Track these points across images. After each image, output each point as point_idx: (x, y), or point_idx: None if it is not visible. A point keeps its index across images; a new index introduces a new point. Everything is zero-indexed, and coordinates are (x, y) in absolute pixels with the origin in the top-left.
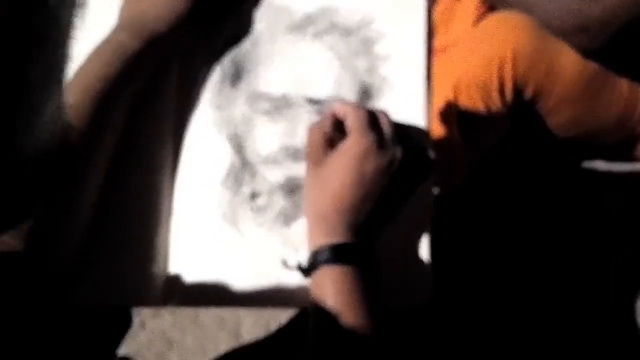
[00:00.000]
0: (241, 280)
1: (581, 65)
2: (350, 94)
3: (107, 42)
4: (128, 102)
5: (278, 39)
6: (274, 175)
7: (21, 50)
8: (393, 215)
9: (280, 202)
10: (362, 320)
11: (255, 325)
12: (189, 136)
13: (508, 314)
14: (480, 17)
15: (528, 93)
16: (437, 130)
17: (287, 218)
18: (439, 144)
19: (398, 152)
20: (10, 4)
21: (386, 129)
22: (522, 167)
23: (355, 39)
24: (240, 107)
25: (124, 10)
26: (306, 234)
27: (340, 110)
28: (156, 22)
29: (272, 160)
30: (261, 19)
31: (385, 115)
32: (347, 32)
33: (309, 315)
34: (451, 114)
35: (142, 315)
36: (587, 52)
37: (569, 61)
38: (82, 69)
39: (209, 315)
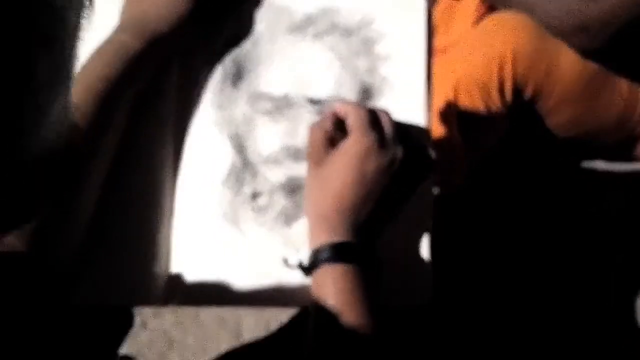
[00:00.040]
0: (242, 280)
1: (581, 66)
2: (351, 94)
3: (108, 43)
4: (130, 102)
5: (278, 39)
6: (275, 175)
7: (27, 50)
8: (394, 215)
9: (281, 201)
10: (362, 319)
11: (256, 324)
12: (190, 136)
13: (508, 314)
14: (480, 17)
15: (528, 93)
16: (437, 129)
17: (288, 218)
18: (439, 143)
19: (399, 151)
20: (15, 5)
21: (387, 128)
22: (522, 167)
23: (356, 39)
24: (241, 107)
25: (126, 11)
26: (307, 233)
27: (341, 110)
28: (157, 23)
29: (273, 160)
30: (262, 19)
31: (386, 114)
32: (347, 32)
33: (309, 314)
34: (451, 113)
35: (143, 315)
36: (586, 52)
37: (568, 61)
38: (84, 69)
39: (209, 314)
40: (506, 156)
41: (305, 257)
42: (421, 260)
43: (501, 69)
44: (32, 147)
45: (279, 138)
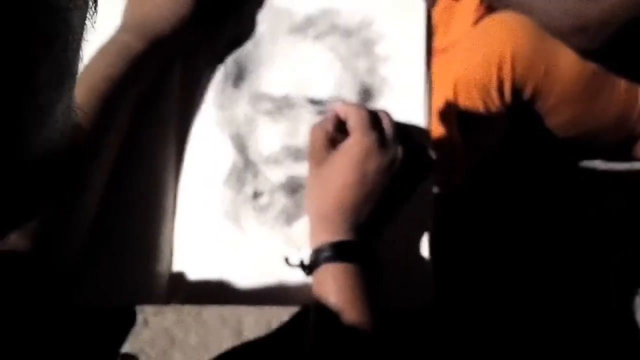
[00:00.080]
0: (244, 278)
1: (580, 66)
2: (351, 95)
3: (111, 43)
4: (132, 102)
5: (279, 40)
6: (276, 174)
7: (27, 50)
8: (394, 215)
9: (282, 201)
10: (363, 317)
11: (257, 323)
12: (192, 136)
13: (508, 314)
14: (479, 18)
15: (527, 93)
16: (437, 129)
17: (289, 217)
18: (439, 143)
19: (399, 151)
20: (15, 5)
21: (388, 128)
22: (522, 167)
23: (356, 40)
24: (242, 107)
25: (128, 12)
26: (308, 232)
27: (342, 111)
28: (160, 24)
29: (273, 160)
30: (262, 20)
31: (387, 115)
32: (347, 33)
33: (310, 312)
34: (451, 113)
35: (145, 313)
36: (586, 53)
37: (567, 62)
38: (87, 69)
39: (211, 313)
40: (506, 156)
41: (306, 256)
42: (421, 260)
43: (500, 69)
44: (33, 147)
45: (280, 138)
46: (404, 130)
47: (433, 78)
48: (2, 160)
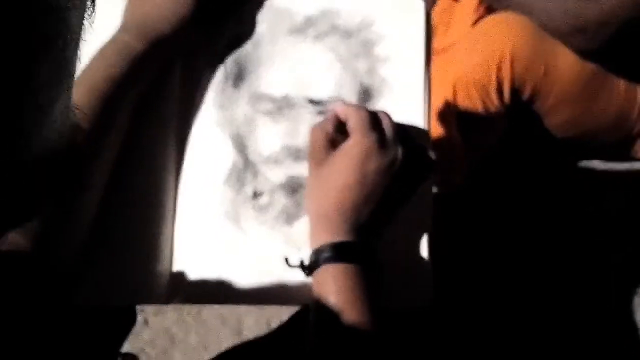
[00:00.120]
0: (244, 278)
1: (579, 66)
2: (351, 95)
3: (111, 43)
4: (132, 102)
5: (279, 40)
6: (276, 174)
7: (27, 50)
8: (394, 215)
9: (282, 201)
10: (363, 317)
11: (257, 322)
12: (192, 136)
13: (508, 314)
14: (479, 18)
15: (526, 93)
16: (437, 130)
17: (289, 217)
18: (438, 143)
19: (399, 152)
20: (15, 5)
21: (388, 129)
22: (522, 167)
23: (356, 40)
24: (242, 108)
25: (128, 12)
26: (308, 232)
27: (342, 111)
28: (160, 24)
29: (273, 160)
30: (262, 21)
31: (387, 115)
32: (347, 34)
33: (309, 312)
34: (450, 113)
35: (145, 313)
36: (585, 53)
37: (566, 62)
38: (87, 69)
39: (211, 312)
40: (505, 156)
41: (306, 256)
42: (421, 260)
43: (500, 69)
44: (33, 147)
45: (280, 138)
46: (404, 131)
47: (432, 78)
48: (2, 160)
